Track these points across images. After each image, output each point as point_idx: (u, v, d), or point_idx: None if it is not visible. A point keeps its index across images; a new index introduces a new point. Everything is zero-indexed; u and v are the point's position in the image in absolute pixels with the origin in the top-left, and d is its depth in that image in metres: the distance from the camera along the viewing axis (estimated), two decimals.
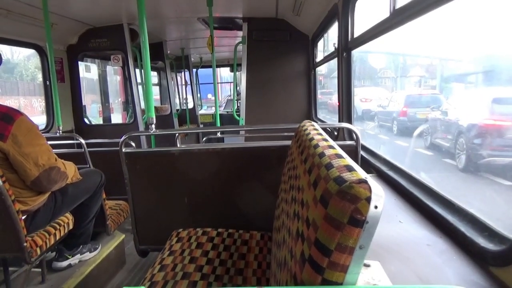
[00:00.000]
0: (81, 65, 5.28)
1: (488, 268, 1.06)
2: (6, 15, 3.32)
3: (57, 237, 2.27)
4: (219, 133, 4.11)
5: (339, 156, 0.89)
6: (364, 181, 0.69)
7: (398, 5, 1.82)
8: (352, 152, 2.24)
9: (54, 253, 2.63)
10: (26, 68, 11.04)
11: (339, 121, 2.99)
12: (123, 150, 2.34)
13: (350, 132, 2.73)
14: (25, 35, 3.91)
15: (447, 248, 1.21)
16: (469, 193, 3.18)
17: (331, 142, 1.13)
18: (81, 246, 2.65)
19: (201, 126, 8.30)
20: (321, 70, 5.39)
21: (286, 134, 3.15)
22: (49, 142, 2.13)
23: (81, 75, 4.91)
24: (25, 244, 2.01)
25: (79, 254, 2.63)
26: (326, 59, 3.79)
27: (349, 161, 0.84)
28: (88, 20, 4.45)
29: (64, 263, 2.57)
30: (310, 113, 4.76)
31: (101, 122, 6.75)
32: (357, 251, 0.69)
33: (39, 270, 2.44)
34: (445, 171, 4.06)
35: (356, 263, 0.70)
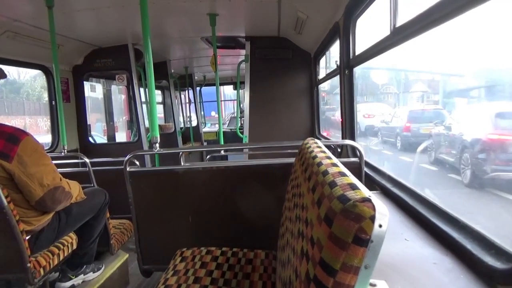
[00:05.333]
0: (86, 85, 5.35)
1: (495, 287, 1.04)
2: (14, 37, 3.40)
3: (61, 257, 2.26)
4: (222, 151, 4.12)
5: (342, 174, 0.89)
6: (368, 200, 0.69)
7: (398, 24, 1.85)
8: (356, 169, 2.23)
9: (57, 274, 2.61)
10: (32, 88, 11.21)
11: (342, 138, 2.99)
12: (128, 169, 2.35)
13: (353, 149, 2.73)
14: (32, 57, 3.99)
15: (453, 267, 1.19)
16: (475, 209, 3.14)
17: (335, 159, 1.13)
18: (84, 266, 2.63)
19: (205, 144, 8.33)
20: (324, 86, 5.42)
21: (289, 151, 3.15)
22: (54, 162, 2.14)
23: (86, 94, 4.98)
24: (28, 264, 2.00)
25: (82, 275, 2.61)
26: (329, 76, 3.82)
27: (352, 179, 0.84)
28: (93, 41, 4.54)
29: (67, 284, 2.54)
30: (313, 130, 4.77)
31: (105, 140, 6.80)
32: (362, 271, 0.68)
33: None
34: (450, 187, 4.02)
35: (361, 283, 0.69)
